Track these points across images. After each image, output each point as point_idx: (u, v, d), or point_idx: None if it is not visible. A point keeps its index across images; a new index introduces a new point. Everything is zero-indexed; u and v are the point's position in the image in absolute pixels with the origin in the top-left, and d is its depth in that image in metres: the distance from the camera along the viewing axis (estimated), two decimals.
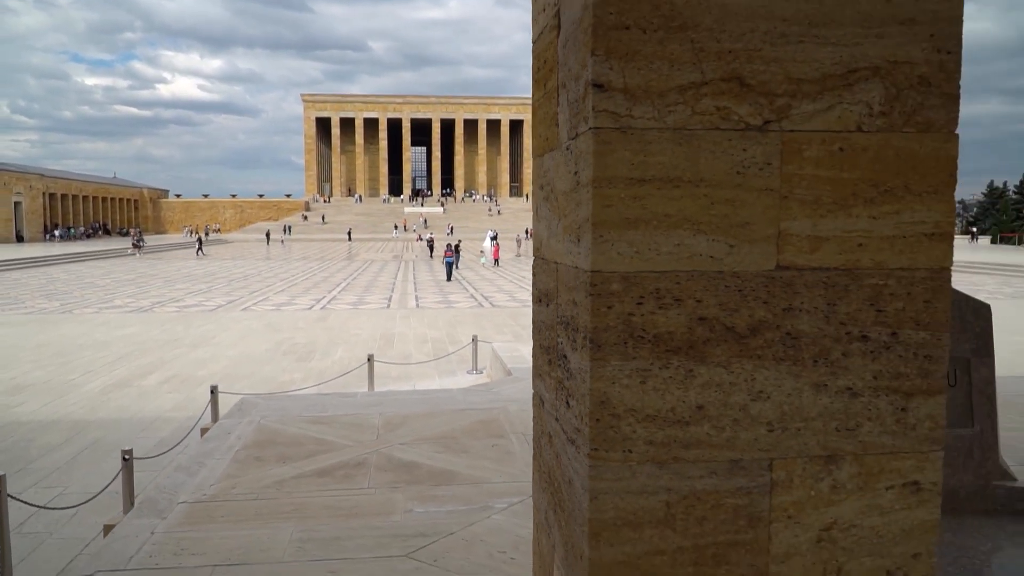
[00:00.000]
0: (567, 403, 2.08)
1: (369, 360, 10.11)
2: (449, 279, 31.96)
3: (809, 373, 1.90)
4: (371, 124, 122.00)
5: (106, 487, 5.71)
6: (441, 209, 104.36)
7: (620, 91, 1.80)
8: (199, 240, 56.10)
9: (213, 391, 8.29)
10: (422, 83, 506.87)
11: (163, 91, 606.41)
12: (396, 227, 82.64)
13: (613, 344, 1.84)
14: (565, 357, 2.11)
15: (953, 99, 1.88)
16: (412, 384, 11.01)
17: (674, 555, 1.90)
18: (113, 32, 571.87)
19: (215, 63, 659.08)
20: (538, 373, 2.56)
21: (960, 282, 31.37)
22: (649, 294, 1.84)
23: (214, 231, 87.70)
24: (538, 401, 2.57)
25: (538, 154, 2.51)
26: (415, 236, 73.75)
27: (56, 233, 71.01)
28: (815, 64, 1.83)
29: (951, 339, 4.40)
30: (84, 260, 46.68)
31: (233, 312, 20.78)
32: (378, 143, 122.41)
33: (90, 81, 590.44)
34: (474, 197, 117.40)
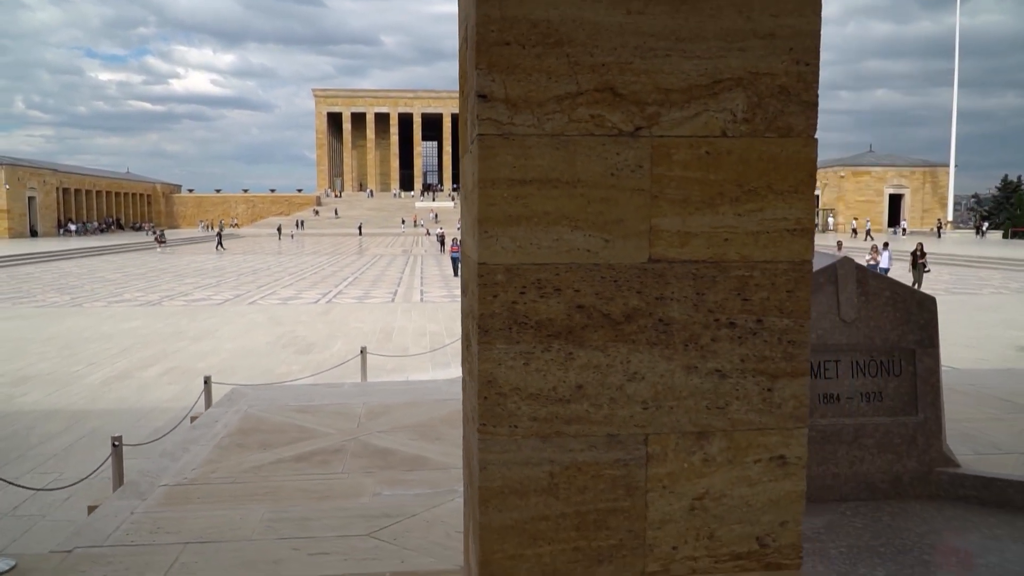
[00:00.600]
0: (469, 384, 2.28)
1: (362, 352, 10.34)
2: (456, 274, 32.02)
3: (680, 356, 2.09)
4: (382, 119, 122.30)
5: (94, 472, 5.96)
6: (452, 203, 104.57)
7: (502, 101, 1.99)
8: (218, 235, 55.96)
9: (206, 382, 8.54)
10: (434, 77, 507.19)
11: (176, 86, 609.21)
12: (403, 222, 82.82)
13: (499, 329, 2.04)
14: (470, 343, 2.30)
15: (811, 106, 2.06)
16: (406, 376, 11.23)
17: (557, 520, 2.10)
18: (127, 27, 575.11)
19: (228, 58, 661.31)
20: (462, 359, 2.76)
21: (965, 276, 31.30)
22: (531, 284, 2.03)
23: (231, 226, 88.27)
24: (463, 386, 2.77)
25: (461, 156, 2.71)
26: (424, 231, 74.03)
27: (72, 228, 71.75)
28: (682, 75, 2.02)
29: (896, 331, 4.58)
30: (102, 254, 47.21)
31: (239, 306, 21.09)
32: (389, 138, 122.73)
33: (104, 76, 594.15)
34: None
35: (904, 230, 67.00)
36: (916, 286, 25.27)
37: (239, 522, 4.46)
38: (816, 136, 2.08)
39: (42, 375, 11.44)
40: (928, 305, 4.69)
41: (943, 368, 5.05)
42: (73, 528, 4.63)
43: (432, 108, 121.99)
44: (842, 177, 78.43)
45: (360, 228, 78.29)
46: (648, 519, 2.12)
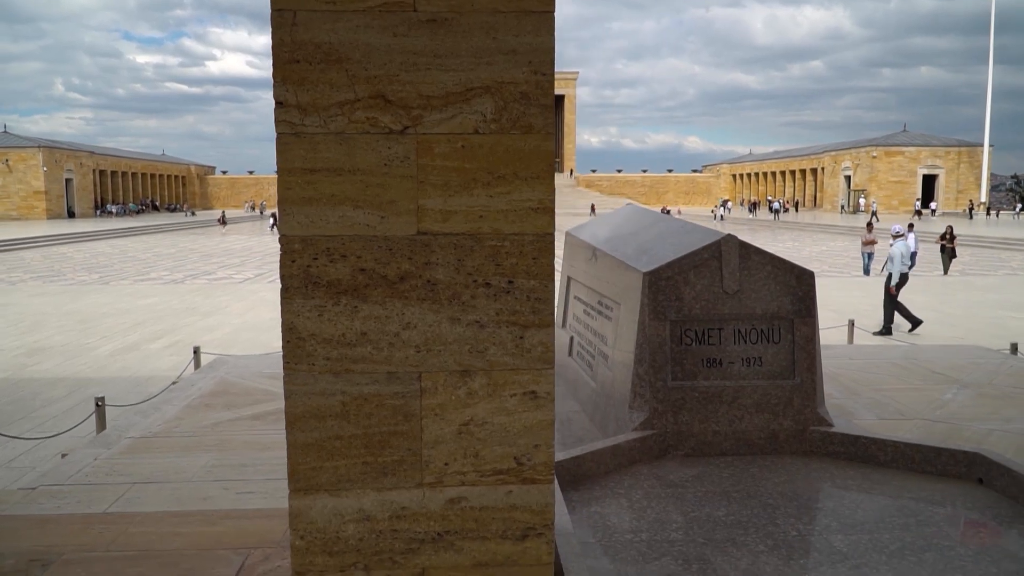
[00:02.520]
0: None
1: None
2: None
3: (446, 310, 2.60)
4: None
5: (74, 427, 6.64)
6: None
7: (295, 107, 2.51)
8: (273, 216, 52.88)
9: (195, 352, 9.22)
10: None
11: (213, 68, 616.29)
12: None
13: (297, 287, 2.57)
14: None
15: (547, 108, 2.55)
16: None
17: (349, 440, 2.64)
18: (163, 9, 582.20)
19: (263, 39, 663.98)
20: None
21: (986, 258, 31.10)
22: (322, 252, 2.56)
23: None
24: None
25: None
26: None
27: (112, 209, 73.58)
28: (440, 85, 2.52)
29: (776, 302, 5.04)
30: (136, 235, 48.61)
31: (257, 284, 21.90)
32: None
33: (141, 59, 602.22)
34: None
35: (933, 212, 66.01)
36: (943, 271, 25.05)
37: (184, 467, 5.08)
38: (552, 132, 2.57)
39: (56, 347, 12.26)
40: (806, 279, 5.12)
41: (904, 344, 5.46)
42: (42, 470, 5.28)
43: None
44: (874, 157, 77.33)
45: None
46: (423, 440, 2.65)
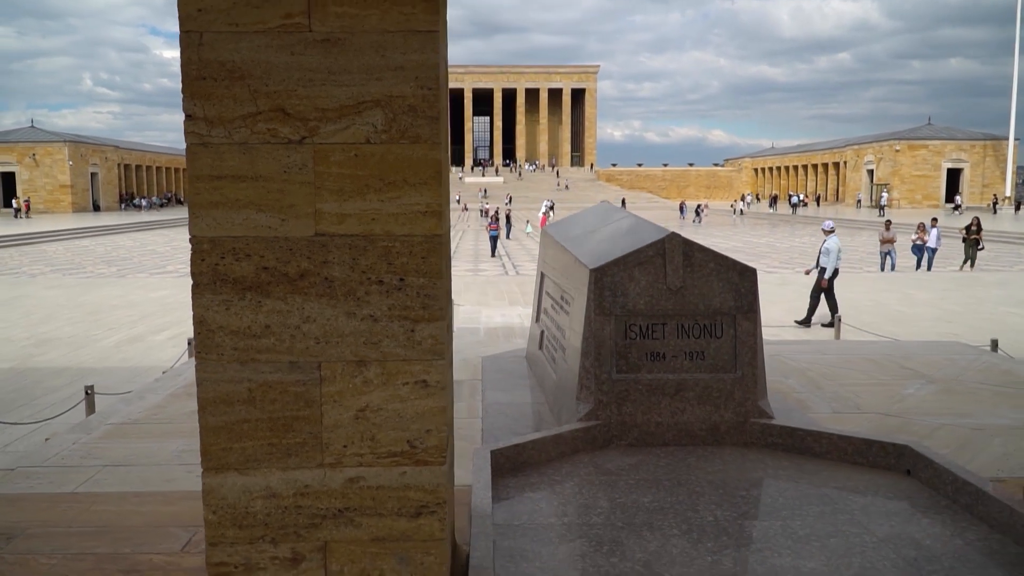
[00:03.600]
0: None
1: None
2: (494, 254, 30.07)
3: (342, 305, 2.83)
4: None
5: (63, 413, 6.97)
6: (501, 179, 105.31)
7: (202, 119, 2.75)
8: None
9: (190, 343, 9.54)
10: (492, 51, 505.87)
11: None
12: (458, 200, 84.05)
13: (206, 284, 2.81)
14: None
15: (434, 120, 2.77)
16: None
17: (256, 423, 2.88)
18: None
19: None
20: None
21: (1004, 254, 30.79)
22: (228, 251, 2.80)
23: None
24: None
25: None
26: (469, 206, 74.94)
27: (143, 203, 74.79)
28: (334, 99, 2.75)
29: (718, 298, 5.23)
30: (155, 228, 49.39)
31: None
32: None
33: (167, 54, 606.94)
34: (538, 166, 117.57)
35: (958, 207, 65.21)
36: (969, 265, 24.87)
37: (154, 452, 5.37)
38: (439, 141, 2.79)
39: (63, 338, 12.68)
40: (749, 276, 5.29)
41: (886, 339, 5.62)
42: (24, 452, 5.60)
43: (483, 83, 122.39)
44: (897, 151, 76.48)
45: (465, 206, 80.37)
46: (323, 424, 2.89)
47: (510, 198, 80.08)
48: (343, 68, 2.73)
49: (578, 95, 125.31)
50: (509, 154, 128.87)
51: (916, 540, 3.82)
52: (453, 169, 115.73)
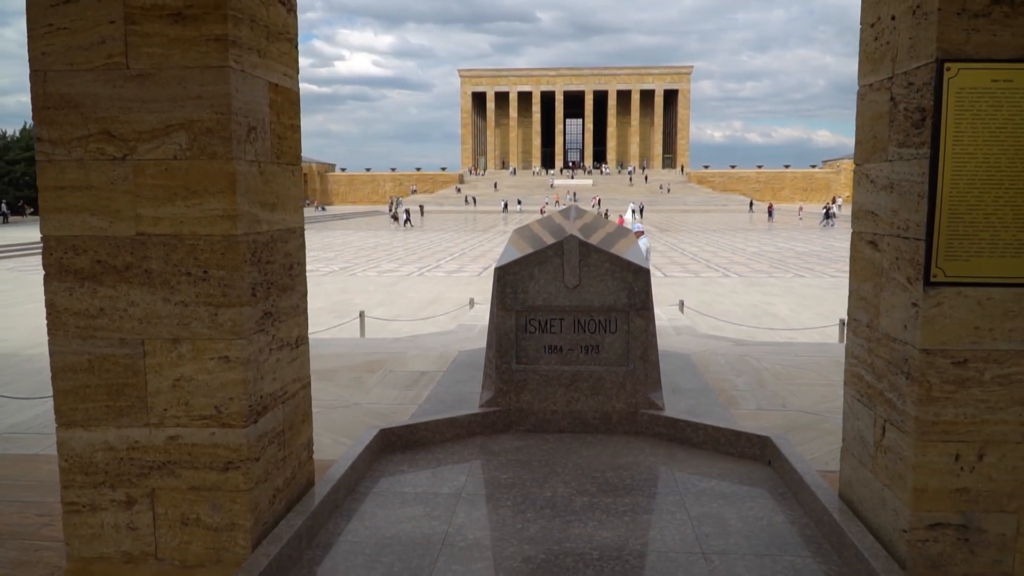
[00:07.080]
0: None
1: (360, 316, 11.99)
2: None
3: (159, 292, 3.44)
4: (524, 97, 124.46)
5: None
6: (590, 181, 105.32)
7: (47, 141, 3.41)
8: (407, 212, 54.66)
9: None
10: (588, 52, 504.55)
11: (341, 68, 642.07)
12: (548, 203, 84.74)
13: (54, 274, 3.47)
14: None
15: (227, 140, 3.34)
16: (405, 333, 12.80)
17: (95, 388, 3.52)
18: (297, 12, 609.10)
19: (388, 39, 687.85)
20: None
21: None
22: (70, 248, 3.45)
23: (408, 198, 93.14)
24: None
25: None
26: (539, 209, 75.49)
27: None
28: (148, 123, 3.36)
29: (613, 296, 5.63)
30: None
31: (337, 276, 23.48)
32: (531, 116, 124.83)
33: None
34: (629, 169, 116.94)
35: None
36: None
37: None
38: (233, 156, 3.35)
39: None
40: (642, 275, 5.64)
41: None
42: (15, 421, 6.50)
43: (574, 86, 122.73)
44: None
45: (505, 205, 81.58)
46: (148, 391, 3.51)
47: (599, 200, 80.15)
48: (154, 97, 3.34)
49: (671, 96, 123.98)
50: (600, 156, 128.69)
51: (723, 519, 4.13)
52: (545, 171, 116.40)
